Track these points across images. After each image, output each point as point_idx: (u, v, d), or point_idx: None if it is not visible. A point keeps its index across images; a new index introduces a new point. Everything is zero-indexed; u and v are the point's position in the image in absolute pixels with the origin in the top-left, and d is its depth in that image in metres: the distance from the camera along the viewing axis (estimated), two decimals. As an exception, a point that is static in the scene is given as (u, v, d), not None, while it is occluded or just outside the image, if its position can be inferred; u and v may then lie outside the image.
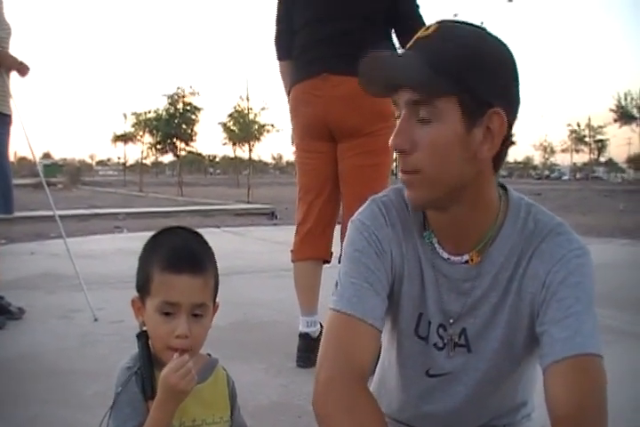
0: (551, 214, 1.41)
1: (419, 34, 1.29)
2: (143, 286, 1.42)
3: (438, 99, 1.23)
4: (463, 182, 1.30)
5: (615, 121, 57.17)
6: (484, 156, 1.28)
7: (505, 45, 1.30)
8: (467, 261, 1.39)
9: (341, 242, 3.30)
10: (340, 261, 1.48)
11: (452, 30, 1.27)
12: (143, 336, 1.45)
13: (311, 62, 3.38)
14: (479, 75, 1.23)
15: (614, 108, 55.88)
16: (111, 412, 1.39)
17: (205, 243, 1.49)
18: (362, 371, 1.33)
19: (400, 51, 1.31)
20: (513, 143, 1.34)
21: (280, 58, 3.63)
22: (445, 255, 1.41)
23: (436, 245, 1.42)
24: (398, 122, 1.29)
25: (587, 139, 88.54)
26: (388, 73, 1.26)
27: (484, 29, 1.30)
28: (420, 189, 1.31)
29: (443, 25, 1.28)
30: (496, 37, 1.30)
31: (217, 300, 1.49)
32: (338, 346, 1.36)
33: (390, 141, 1.28)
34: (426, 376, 1.48)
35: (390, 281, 1.43)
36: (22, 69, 4.36)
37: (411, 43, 1.30)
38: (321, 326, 3.51)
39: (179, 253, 1.41)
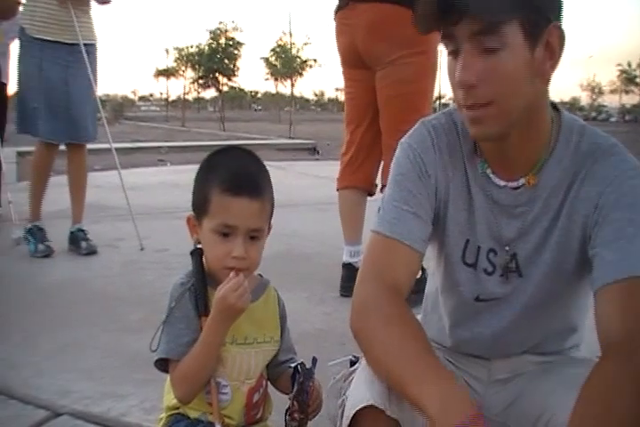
0: (605, 135, 1.36)
1: None
2: (200, 206, 1.41)
3: (504, 24, 1.18)
4: (530, 105, 1.27)
5: (669, 60, 55.01)
6: (548, 73, 1.25)
7: None
8: (522, 185, 1.36)
9: (382, 175, 3.32)
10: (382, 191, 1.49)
11: None
12: (197, 253, 1.45)
13: None
14: None
15: (669, 46, 53.71)
16: (164, 326, 1.40)
17: (262, 165, 1.47)
18: (398, 290, 1.34)
19: None
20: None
21: None
22: (501, 183, 1.38)
23: (490, 174, 1.39)
24: (461, 56, 1.23)
25: (637, 79, 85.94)
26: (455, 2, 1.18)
27: None
28: (491, 122, 1.26)
29: None
30: None
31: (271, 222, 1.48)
32: (375, 267, 1.38)
33: (457, 77, 1.23)
34: (475, 301, 1.46)
35: (435, 205, 1.42)
36: None
37: None
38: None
39: (238, 176, 1.40)
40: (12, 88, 5.01)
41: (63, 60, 4.15)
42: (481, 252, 1.42)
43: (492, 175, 1.38)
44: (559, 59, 1.25)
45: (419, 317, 1.59)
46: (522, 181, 1.36)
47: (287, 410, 1.41)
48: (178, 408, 1.46)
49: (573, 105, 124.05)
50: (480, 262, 1.43)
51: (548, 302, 1.41)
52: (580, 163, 1.32)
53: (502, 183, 1.37)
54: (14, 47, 4.72)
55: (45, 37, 4.10)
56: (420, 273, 1.97)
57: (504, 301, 1.43)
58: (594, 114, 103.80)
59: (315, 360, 1.44)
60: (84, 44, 4.18)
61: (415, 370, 1.16)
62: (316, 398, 1.43)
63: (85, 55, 4.16)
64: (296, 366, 1.41)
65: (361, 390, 1.27)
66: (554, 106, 1.37)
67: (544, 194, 1.35)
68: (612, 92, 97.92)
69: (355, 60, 3.42)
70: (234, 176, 1.40)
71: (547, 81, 1.27)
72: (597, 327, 1.21)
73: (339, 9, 3.44)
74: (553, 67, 1.25)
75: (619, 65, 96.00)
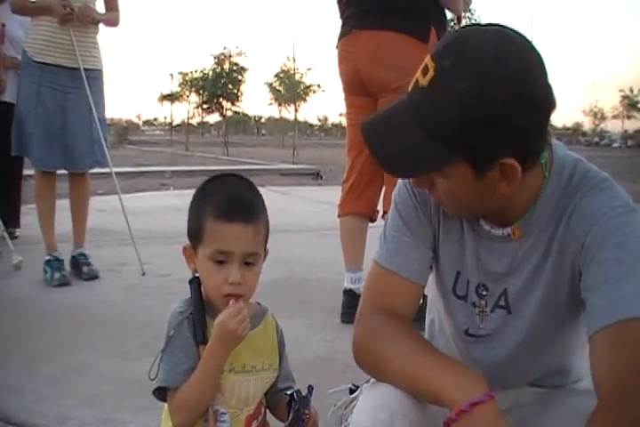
0: (598, 170, 1.33)
1: (417, 76, 1.20)
2: (195, 234, 1.41)
3: (444, 167, 1.21)
4: (488, 206, 1.30)
5: (671, 86, 55.18)
6: (503, 191, 1.23)
7: (523, 71, 1.14)
8: (508, 235, 1.35)
9: (383, 201, 3.31)
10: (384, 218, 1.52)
11: (450, 75, 1.14)
12: (195, 282, 1.45)
13: (346, 20, 3.46)
14: (480, 131, 1.14)
15: (671, 72, 53.92)
16: (162, 355, 1.40)
17: (256, 190, 1.47)
18: (398, 316, 1.38)
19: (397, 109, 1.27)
20: (545, 144, 1.25)
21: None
22: (487, 228, 1.38)
23: (481, 219, 1.39)
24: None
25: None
26: (390, 162, 1.29)
27: (504, 40, 1.15)
28: (449, 210, 1.38)
29: (441, 67, 1.15)
30: (512, 62, 1.13)
31: (267, 246, 1.48)
32: (374, 299, 1.43)
33: (412, 181, 1.36)
34: (465, 335, 1.46)
35: (432, 233, 1.44)
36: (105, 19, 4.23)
37: (410, 89, 1.23)
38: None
39: (231, 202, 1.40)
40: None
41: (62, 86, 4.07)
42: (470, 286, 1.42)
43: (481, 220, 1.38)
44: (517, 182, 1.21)
45: None
46: (507, 230, 1.35)
47: (284, 438, 1.41)
48: (176, 436, 1.45)
49: (576, 130, 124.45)
50: (470, 296, 1.43)
51: (543, 341, 1.40)
52: (569, 196, 1.30)
53: (488, 229, 1.38)
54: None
55: (45, 61, 4.02)
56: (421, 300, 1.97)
57: (495, 338, 1.42)
58: (596, 139, 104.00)
59: (311, 388, 1.43)
60: (89, 70, 4.12)
61: (428, 365, 1.23)
62: (312, 425, 1.42)
63: (86, 81, 4.07)
64: (292, 394, 1.41)
65: (363, 419, 1.27)
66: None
67: (535, 231, 1.33)
68: (615, 117, 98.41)
69: (357, 87, 3.44)
70: (226, 202, 1.40)
71: (506, 195, 1.24)
72: (592, 377, 1.19)
73: (342, 36, 3.46)
74: (509, 186, 1.22)
75: (621, 91, 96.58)
